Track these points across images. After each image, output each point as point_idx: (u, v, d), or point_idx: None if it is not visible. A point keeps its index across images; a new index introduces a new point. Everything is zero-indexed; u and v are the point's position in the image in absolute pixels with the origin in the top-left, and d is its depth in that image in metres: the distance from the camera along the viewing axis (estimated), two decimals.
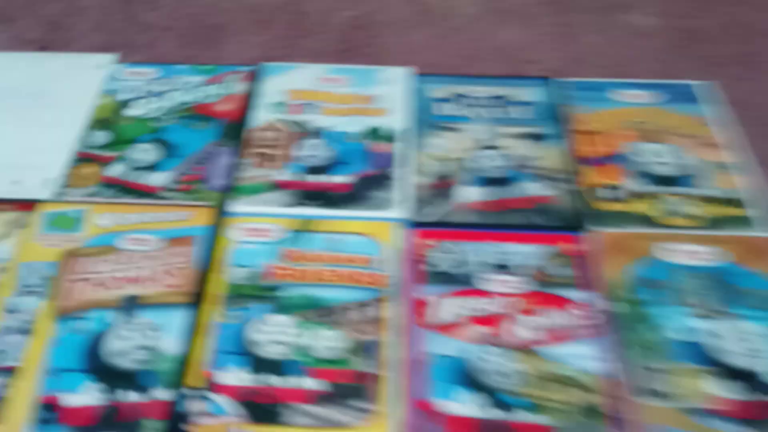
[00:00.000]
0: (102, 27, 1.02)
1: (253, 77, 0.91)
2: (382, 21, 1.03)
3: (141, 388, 0.60)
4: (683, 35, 1.02)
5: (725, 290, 0.67)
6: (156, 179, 0.77)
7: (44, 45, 0.99)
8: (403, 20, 1.04)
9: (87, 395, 0.59)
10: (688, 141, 0.83)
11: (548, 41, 1.01)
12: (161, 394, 0.59)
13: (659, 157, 0.81)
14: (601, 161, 0.81)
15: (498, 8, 1.05)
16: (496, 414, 0.59)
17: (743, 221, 0.74)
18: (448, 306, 0.66)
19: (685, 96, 0.89)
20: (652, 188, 0.78)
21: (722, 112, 0.87)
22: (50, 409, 0.58)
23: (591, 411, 0.59)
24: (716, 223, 0.74)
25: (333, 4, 1.06)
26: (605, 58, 0.98)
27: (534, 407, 0.59)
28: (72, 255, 0.69)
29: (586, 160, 0.81)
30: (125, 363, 0.61)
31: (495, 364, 0.62)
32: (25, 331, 0.63)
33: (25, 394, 0.59)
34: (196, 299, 0.66)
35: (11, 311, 0.65)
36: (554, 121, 0.85)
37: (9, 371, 0.61)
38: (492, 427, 0.58)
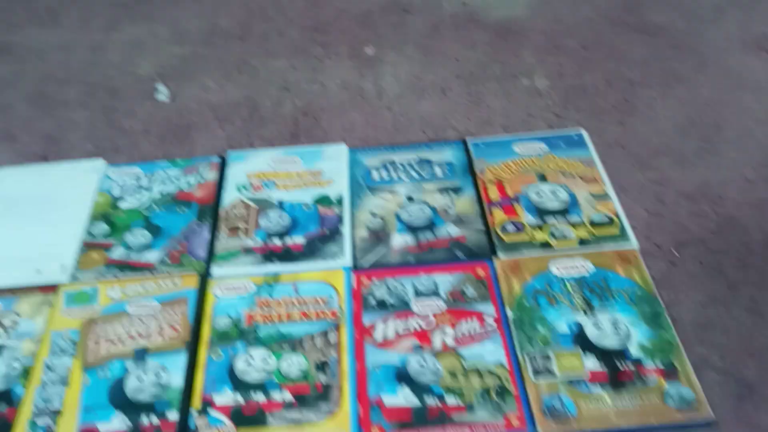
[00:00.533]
0: (90, 136, 1.21)
1: (221, 165, 1.10)
2: (324, 107, 1.24)
3: (158, 414, 0.78)
4: (571, 91, 1.24)
5: (601, 291, 0.87)
6: (150, 256, 0.96)
7: (44, 156, 1.18)
8: (341, 104, 1.24)
9: (116, 423, 0.77)
10: (574, 179, 1.03)
11: (461, 109, 1.22)
12: (173, 416, 0.77)
13: (552, 194, 1.01)
14: (505, 203, 1.01)
15: (418, 86, 1.27)
16: (430, 402, 0.78)
17: (617, 237, 0.95)
18: (388, 327, 0.85)
19: (573, 142, 1.10)
20: (547, 219, 0.98)
21: (600, 152, 1.07)
22: None
23: (502, 390, 0.78)
24: (596, 240, 0.94)
25: (282, 97, 1.27)
26: (509, 118, 1.19)
27: (457, 394, 0.78)
28: (91, 322, 0.88)
29: (493, 204, 1.01)
30: (143, 397, 0.79)
31: (427, 366, 0.81)
32: (62, 382, 0.81)
33: (69, 427, 0.77)
34: (192, 344, 0.84)
35: (50, 369, 0.83)
36: (467, 175, 1.05)
37: (55, 413, 0.79)
38: (425, 412, 0.77)
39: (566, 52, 1.32)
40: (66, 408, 0.79)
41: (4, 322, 0.89)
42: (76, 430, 0.77)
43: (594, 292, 0.88)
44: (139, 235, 0.99)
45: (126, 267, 0.95)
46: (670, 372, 0.79)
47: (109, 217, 1.02)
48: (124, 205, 1.04)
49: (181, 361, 0.82)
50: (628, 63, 1.28)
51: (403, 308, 0.87)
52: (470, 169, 1.06)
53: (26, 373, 0.83)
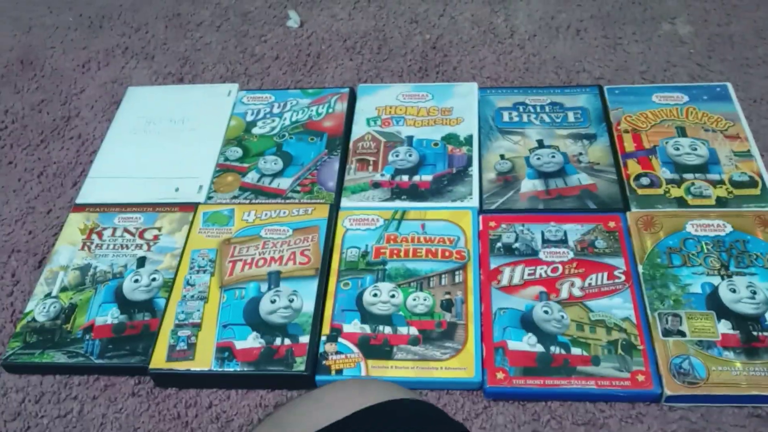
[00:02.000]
0: (223, 59, 1.24)
1: (350, 97, 1.11)
2: (454, 42, 1.22)
3: (290, 336, 0.81)
4: (717, 40, 1.17)
5: (738, 254, 0.85)
6: (282, 183, 0.99)
7: (180, 77, 1.21)
8: (471, 40, 1.22)
9: (252, 341, 0.81)
10: (716, 135, 0.99)
11: (597, 52, 1.18)
12: (304, 339, 0.81)
13: (690, 149, 0.98)
14: (641, 154, 0.98)
15: (552, 25, 1.23)
16: (555, 350, 0.78)
17: (758, 198, 0.91)
18: (515, 272, 0.85)
19: (715, 95, 1.05)
20: (684, 175, 0.95)
21: (745, 108, 1.02)
22: (227, 351, 0.81)
23: (628, 346, 0.78)
24: (736, 201, 0.91)
25: (411, 30, 1.25)
26: (648, 64, 1.14)
27: (583, 345, 0.78)
28: (227, 243, 0.91)
29: (628, 155, 0.98)
30: (276, 319, 0.83)
31: (552, 314, 0.81)
32: (201, 298, 0.86)
33: (208, 341, 0.82)
34: (322, 272, 0.87)
35: (190, 284, 0.88)
36: (601, 122, 1.02)
37: (195, 326, 0.83)
38: (549, 360, 0.77)
39: None
40: (205, 322, 0.84)
41: (146, 236, 0.94)
42: (215, 344, 0.81)
43: (731, 254, 0.85)
44: (271, 162, 1.02)
45: (259, 192, 0.98)
46: None
47: (243, 141, 1.05)
48: (256, 130, 1.07)
49: (312, 287, 0.85)
50: None
51: (530, 255, 0.87)
52: (605, 117, 1.03)
53: (167, 286, 0.88)
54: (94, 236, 0.94)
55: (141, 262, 0.91)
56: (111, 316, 0.86)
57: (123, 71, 1.23)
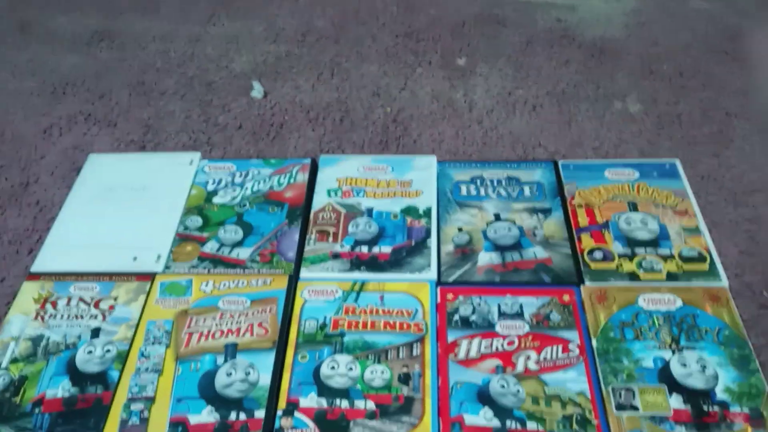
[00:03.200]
0: (186, 128, 1.25)
1: (312, 167, 1.12)
2: (414, 115, 1.25)
3: (246, 411, 0.80)
4: (666, 118, 1.22)
5: (688, 328, 0.87)
6: (242, 253, 0.99)
7: (142, 144, 1.22)
8: (431, 114, 1.25)
9: (206, 416, 0.80)
10: (665, 210, 1.02)
11: (552, 128, 1.21)
12: (260, 414, 0.80)
13: (642, 224, 1.01)
14: (594, 229, 1.01)
15: (509, 101, 1.27)
16: (511, 425, 0.78)
17: (707, 273, 0.93)
18: (472, 345, 0.86)
19: (664, 172, 1.08)
20: (636, 250, 0.97)
21: (693, 184, 1.06)
22: (180, 426, 0.79)
23: (583, 421, 0.78)
24: (685, 276, 0.93)
25: (373, 102, 1.28)
26: (600, 140, 1.18)
27: (538, 420, 0.79)
28: (184, 313, 0.91)
29: (582, 229, 1.01)
30: (232, 393, 0.82)
31: (508, 388, 0.82)
32: (156, 370, 0.85)
33: (161, 415, 0.80)
34: (280, 345, 0.87)
35: (144, 356, 0.86)
36: (556, 197, 1.05)
37: (148, 399, 0.82)
38: None
39: (662, 78, 1.30)
40: (159, 396, 0.82)
41: (102, 305, 0.93)
42: (168, 419, 0.80)
43: (681, 328, 0.87)
44: (231, 231, 1.02)
45: (218, 261, 0.98)
46: (756, 419, 0.78)
47: (203, 210, 1.05)
48: (217, 200, 1.07)
49: (269, 359, 0.85)
50: (725, 93, 1.26)
51: (487, 328, 0.88)
52: (560, 191, 1.05)
53: (120, 357, 0.87)
54: (48, 306, 0.93)
55: (95, 332, 0.90)
56: (62, 388, 0.84)
57: (85, 137, 1.23)
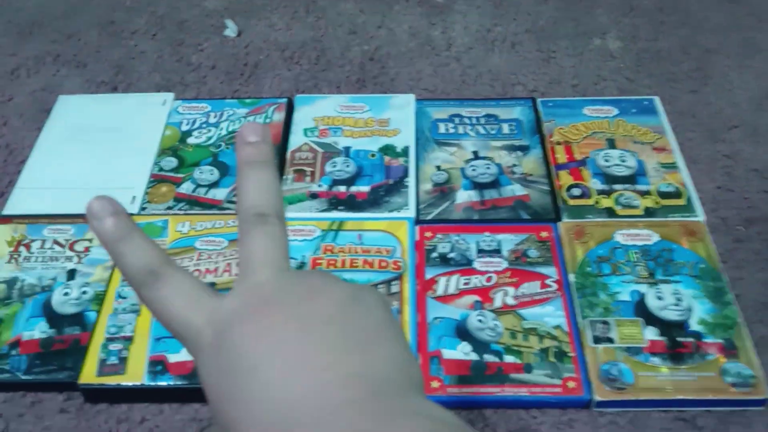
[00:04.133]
0: (158, 68, 1.22)
1: (288, 107, 1.11)
2: (391, 53, 1.23)
3: None
4: (645, 55, 1.21)
5: (664, 262, 0.87)
6: (218, 194, 0.98)
7: (113, 85, 1.19)
8: (409, 52, 1.23)
9: (185, 354, 0.80)
10: (643, 147, 1.02)
11: (531, 65, 1.20)
12: None
13: (620, 160, 1.00)
14: (572, 166, 1.01)
15: (488, 38, 1.25)
16: (489, 358, 0.79)
17: (683, 208, 0.94)
18: (450, 282, 0.86)
19: (643, 108, 1.08)
20: (613, 186, 0.97)
21: (671, 121, 1.06)
22: (160, 365, 0.79)
23: (560, 354, 0.79)
24: (662, 211, 0.94)
25: (349, 41, 1.26)
26: (579, 78, 1.17)
27: (516, 353, 0.80)
28: None
29: (560, 166, 1.01)
30: None
31: (486, 323, 0.82)
32: (134, 311, 0.84)
33: (140, 354, 0.80)
34: None
35: (122, 297, 0.86)
36: (535, 134, 1.04)
37: (127, 339, 0.82)
38: (483, 368, 0.78)
39: (641, 14, 1.28)
40: (137, 336, 0.82)
41: (77, 247, 0.92)
42: (147, 357, 0.80)
43: (658, 263, 0.87)
44: (207, 172, 1.00)
45: (194, 202, 0.97)
46: (729, 349, 0.80)
47: (178, 151, 1.04)
48: (192, 140, 1.05)
49: None
50: (704, 30, 1.24)
51: (465, 265, 0.88)
52: (538, 129, 1.05)
53: (98, 298, 0.86)
54: (22, 248, 0.92)
55: (71, 274, 0.89)
56: (39, 330, 0.83)
57: (54, 79, 1.20)
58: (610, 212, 0.94)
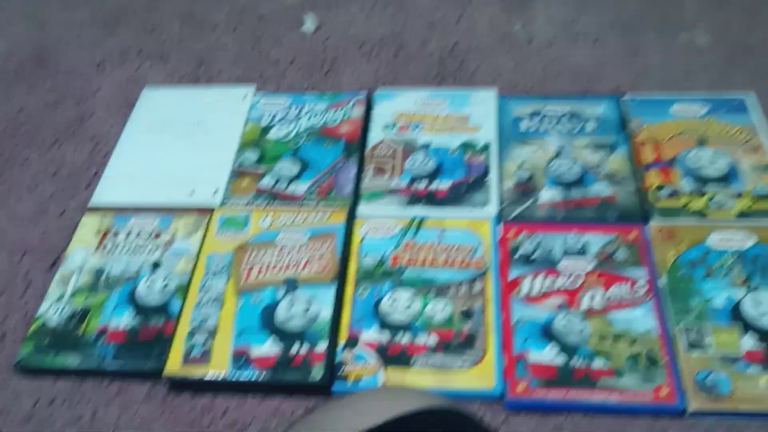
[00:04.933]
0: (239, 61, 1.23)
1: (367, 102, 1.10)
2: (471, 48, 1.21)
3: (307, 343, 0.80)
4: (737, 50, 1.16)
5: (762, 267, 0.84)
6: (298, 188, 0.98)
7: (195, 77, 1.20)
8: (489, 46, 1.21)
9: (268, 347, 0.80)
10: (736, 147, 0.98)
11: (615, 60, 1.17)
12: (321, 346, 0.80)
13: (711, 160, 0.97)
14: (661, 165, 0.97)
15: (571, 32, 1.22)
16: (574, 362, 0.77)
17: None
18: (535, 282, 0.84)
19: (735, 107, 1.04)
20: (704, 187, 0.93)
21: (766, 120, 1.01)
22: (243, 357, 0.80)
23: (651, 359, 0.77)
24: (758, 213, 0.89)
25: (428, 35, 1.24)
26: (666, 73, 1.13)
27: (605, 357, 0.77)
28: (243, 247, 0.91)
29: (648, 165, 0.97)
30: (293, 326, 0.82)
31: (573, 326, 0.80)
32: (217, 302, 0.85)
33: (223, 346, 0.81)
34: (339, 279, 0.86)
35: (204, 290, 0.87)
36: (620, 132, 1.01)
37: (210, 331, 0.82)
38: (571, 372, 0.76)
39: (733, 7, 1.23)
40: (221, 327, 0.83)
41: (161, 238, 0.93)
42: (230, 349, 0.80)
43: (755, 267, 0.84)
44: (287, 167, 1.00)
45: (274, 196, 0.97)
46: None
47: (259, 145, 1.04)
48: (272, 135, 1.06)
49: (329, 294, 0.84)
50: None
51: (550, 265, 0.86)
52: (624, 127, 1.02)
53: (181, 290, 0.87)
54: (109, 238, 0.93)
55: (155, 265, 0.90)
56: (125, 319, 0.85)
57: (138, 71, 1.22)
58: (701, 214, 0.90)
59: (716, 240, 0.86)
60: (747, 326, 0.78)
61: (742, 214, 0.90)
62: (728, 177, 0.94)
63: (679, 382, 0.75)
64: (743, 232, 0.87)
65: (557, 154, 0.99)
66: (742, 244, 0.86)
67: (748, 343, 0.77)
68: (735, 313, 0.80)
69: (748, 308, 0.80)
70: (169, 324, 0.84)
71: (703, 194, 0.92)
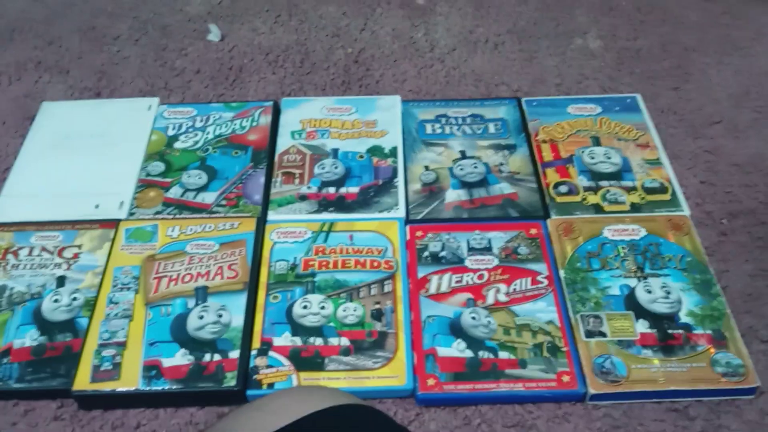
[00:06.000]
0: (142, 73, 1.21)
1: (274, 110, 1.11)
2: (374, 55, 1.24)
3: (219, 351, 0.80)
4: (626, 53, 1.23)
5: (652, 256, 0.89)
6: (207, 198, 0.98)
7: (97, 91, 1.18)
8: (393, 54, 1.24)
9: (180, 358, 0.80)
10: (627, 144, 1.04)
11: (513, 65, 1.21)
12: (234, 354, 0.80)
13: (605, 157, 1.02)
14: (559, 164, 1.02)
15: (470, 39, 1.26)
16: (481, 355, 0.80)
17: (669, 203, 0.95)
18: (442, 280, 0.87)
19: (626, 106, 1.10)
20: (600, 183, 0.98)
21: (654, 117, 1.07)
22: (154, 369, 0.79)
23: (553, 348, 0.80)
24: (648, 206, 0.95)
25: (333, 43, 1.26)
26: (562, 77, 1.19)
27: (510, 349, 0.80)
28: (151, 259, 0.90)
29: (547, 164, 1.02)
30: (205, 335, 0.82)
31: (479, 320, 0.83)
32: (126, 316, 0.84)
33: (134, 360, 0.80)
34: (251, 286, 0.86)
35: (113, 303, 0.85)
36: (520, 133, 1.05)
37: (120, 345, 0.81)
38: (478, 365, 0.79)
39: (620, 14, 1.30)
40: (130, 341, 0.82)
41: (66, 254, 0.91)
42: (141, 362, 0.80)
43: (645, 257, 0.89)
44: (195, 176, 1.00)
45: (183, 206, 0.97)
46: (718, 339, 0.81)
47: (165, 156, 1.03)
48: (179, 144, 1.05)
49: (241, 301, 0.85)
50: (683, 28, 1.26)
51: (456, 263, 0.89)
52: (524, 128, 1.06)
53: (89, 304, 0.86)
54: (10, 256, 0.91)
55: (61, 281, 0.88)
56: (30, 338, 0.83)
57: (36, 85, 1.19)
58: (597, 208, 0.95)
59: (611, 233, 0.91)
60: (640, 312, 0.83)
61: (634, 207, 0.95)
62: (621, 172, 0.99)
63: (580, 369, 0.78)
64: (634, 225, 0.92)
65: (461, 156, 1.02)
66: (634, 235, 0.91)
67: (642, 328, 0.82)
68: (629, 300, 0.84)
69: (641, 295, 0.84)
70: (77, 340, 0.83)
71: (598, 190, 0.97)
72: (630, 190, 0.97)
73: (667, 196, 0.96)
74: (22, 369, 0.80)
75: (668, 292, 0.85)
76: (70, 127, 1.09)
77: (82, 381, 0.79)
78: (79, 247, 0.92)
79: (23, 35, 1.29)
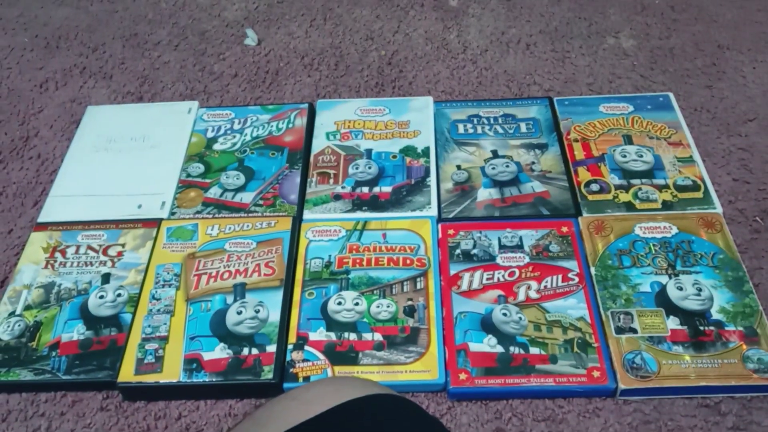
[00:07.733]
0: (182, 77, 1.25)
1: (309, 112, 1.13)
2: (407, 57, 1.26)
3: (257, 346, 0.83)
4: (658, 52, 1.23)
5: (684, 254, 0.89)
6: (245, 197, 1.01)
7: (139, 95, 1.22)
8: (425, 55, 1.26)
9: (219, 352, 0.83)
10: (659, 142, 1.04)
11: (546, 65, 1.22)
12: (271, 348, 0.83)
13: (637, 156, 1.02)
14: (590, 162, 1.03)
15: (503, 40, 1.27)
16: (512, 351, 0.81)
17: (701, 201, 0.96)
18: (474, 277, 0.89)
19: (658, 104, 1.10)
20: (631, 181, 0.99)
21: (686, 116, 1.08)
22: (195, 362, 0.82)
23: (583, 344, 0.81)
24: (680, 204, 0.95)
25: (367, 46, 1.28)
26: (594, 77, 1.19)
27: (540, 344, 0.82)
28: (192, 257, 0.93)
29: (578, 162, 1.03)
30: (243, 330, 0.85)
31: (510, 316, 0.84)
32: (168, 311, 0.87)
33: (175, 353, 0.83)
34: (287, 283, 0.89)
35: (155, 299, 0.89)
36: (552, 132, 1.06)
37: (162, 339, 0.84)
38: (509, 360, 0.80)
39: (653, 12, 1.30)
40: (172, 335, 0.85)
41: (110, 252, 0.95)
42: (182, 356, 0.83)
43: (677, 254, 0.89)
44: (233, 177, 1.03)
45: (222, 206, 1.00)
46: (750, 336, 0.81)
47: (204, 157, 1.07)
48: (218, 146, 1.08)
49: (277, 297, 0.87)
50: (717, 26, 1.26)
51: (488, 260, 0.90)
52: (555, 127, 1.07)
53: (132, 301, 0.89)
54: (58, 254, 0.95)
55: (106, 278, 0.92)
56: (77, 332, 0.86)
57: (81, 91, 1.23)
58: (628, 206, 0.95)
59: (642, 230, 0.92)
60: (671, 309, 0.84)
61: (666, 205, 0.95)
62: (653, 170, 1.00)
63: (610, 364, 0.79)
64: (666, 223, 0.92)
65: (493, 155, 1.03)
66: (666, 233, 0.91)
67: (672, 324, 0.82)
68: (660, 297, 0.85)
69: (672, 292, 0.85)
70: (121, 335, 0.86)
71: (630, 188, 0.98)
72: (662, 188, 0.97)
73: (699, 194, 0.96)
74: (69, 362, 0.84)
75: (699, 289, 0.85)
76: (113, 130, 1.13)
77: (127, 373, 0.82)
78: (123, 245, 0.95)
79: (68, 43, 1.33)
